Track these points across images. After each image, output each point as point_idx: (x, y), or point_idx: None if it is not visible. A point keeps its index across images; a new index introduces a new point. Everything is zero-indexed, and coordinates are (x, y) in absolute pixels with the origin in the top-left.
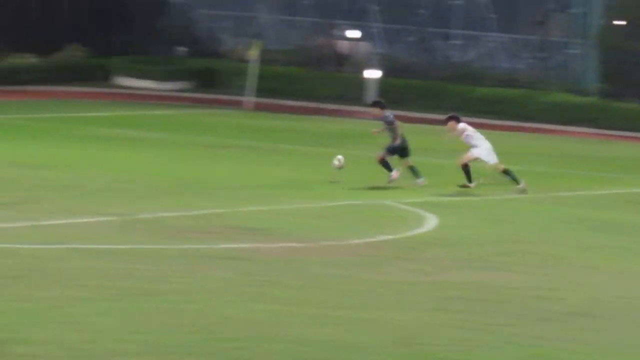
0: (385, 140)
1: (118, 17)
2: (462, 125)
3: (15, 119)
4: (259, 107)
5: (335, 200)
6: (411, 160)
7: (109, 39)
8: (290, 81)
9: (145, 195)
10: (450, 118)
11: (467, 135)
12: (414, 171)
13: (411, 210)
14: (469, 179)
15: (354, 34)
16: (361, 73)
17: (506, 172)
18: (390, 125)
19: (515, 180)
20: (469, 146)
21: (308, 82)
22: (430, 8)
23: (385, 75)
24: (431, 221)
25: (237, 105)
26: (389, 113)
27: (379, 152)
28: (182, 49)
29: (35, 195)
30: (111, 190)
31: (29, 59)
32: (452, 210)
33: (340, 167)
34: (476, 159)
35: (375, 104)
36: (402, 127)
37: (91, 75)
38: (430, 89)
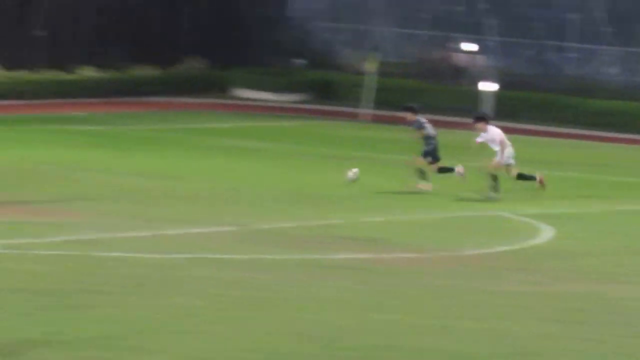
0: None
1: (237, 29)
2: (490, 127)
3: (137, 130)
4: (375, 119)
5: (452, 212)
6: (438, 165)
7: (228, 51)
8: (407, 93)
9: (265, 206)
10: (479, 119)
11: (493, 138)
12: (448, 170)
13: (527, 221)
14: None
15: (470, 47)
16: (477, 86)
17: (495, 178)
18: (420, 129)
19: (494, 188)
20: (493, 149)
21: (425, 94)
22: (545, 22)
23: (501, 87)
24: (547, 232)
25: (354, 117)
26: (421, 118)
27: (418, 158)
28: (299, 61)
29: (156, 204)
30: (231, 201)
31: (150, 71)
32: (568, 222)
33: (354, 180)
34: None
35: (407, 109)
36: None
37: (210, 87)
38: (545, 102)
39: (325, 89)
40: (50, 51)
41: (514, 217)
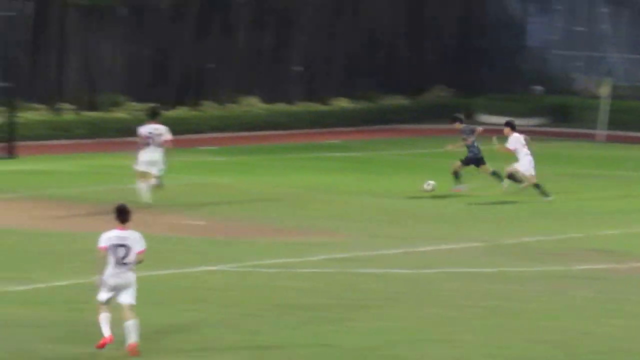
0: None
1: (480, 59)
2: (516, 134)
3: (388, 155)
4: (610, 139)
5: None
6: (489, 167)
7: (472, 79)
8: (638, 114)
9: (507, 222)
10: (507, 124)
11: (516, 144)
12: (498, 176)
13: None
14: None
15: None
16: None
17: (536, 185)
18: (468, 136)
19: (544, 194)
20: (515, 154)
21: None
22: None
23: None
24: None
25: (590, 138)
26: (466, 126)
27: (455, 163)
28: (538, 88)
29: (407, 223)
30: (476, 218)
31: (399, 101)
32: None
33: (430, 191)
34: (517, 171)
35: (455, 119)
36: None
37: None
38: None
39: (563, 112)
40: (306, 85)
41: None
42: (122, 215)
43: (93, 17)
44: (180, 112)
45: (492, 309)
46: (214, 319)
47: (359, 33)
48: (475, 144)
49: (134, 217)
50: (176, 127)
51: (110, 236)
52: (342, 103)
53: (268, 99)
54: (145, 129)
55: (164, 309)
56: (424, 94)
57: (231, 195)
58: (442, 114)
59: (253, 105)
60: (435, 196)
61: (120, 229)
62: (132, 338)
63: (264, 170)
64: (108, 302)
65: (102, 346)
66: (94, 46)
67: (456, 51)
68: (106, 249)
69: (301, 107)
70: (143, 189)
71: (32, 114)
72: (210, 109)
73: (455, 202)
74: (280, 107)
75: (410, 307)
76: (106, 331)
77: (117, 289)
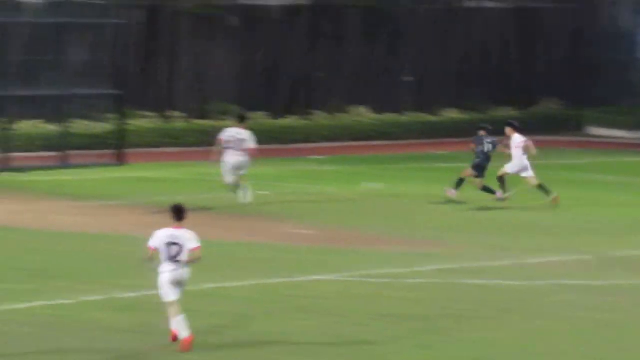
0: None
1: (590, 71)
2: (517, 135)
3: (496, 166)
4: None
5: None
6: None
7: (582, 92)
8: None
9: (617, 235)
10: (509, 124)
11: (516, 146)
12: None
13: None
14: (504, 190)
15: None
16: None
17: (540, 186)
18: (475, 144)
19: (547, 193)
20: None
21: None
22: None
23: None
24: None
25: None
26: (487, 138)
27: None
28: None
29: (515, 235)
30: (588, 230)
31: (509, 112)
32: None
33: (452, 198)
34: (509, 174)
35: (479, 128)
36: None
37: (566, 125)
38: None
39: None
40: (415, 95)
41: None
42: (178, 213)
43: (204, 26)
44: (290, 121)
45: (602, 321)
46: (319, 328)
47: (469, 44)
48: (486, 153)
49: (243, 225)
50: (285, 136)
51: (162, 235)
52: (452, 114)
53: (378, 109)
54: (226, 134)
55: (271, 317)
56: (534, 105)
57: (340, 204)
58: (553, 125)
59: (363, 115)
60: (544, 208)
61: (175, 228)
62: (185, 332)
63: (373, 180)
64: (176, 299)
65: (187, 344)
66: (205, 54)
67: (567, 63)
68: (155, 250)
69: (411, 117)
70: (240, 194)
71: (143, 122)
72: (320, 118)
73: (562, 214)
74: (390, 117)
75: (519, 320)
76: (186, 332)
77: (177, 285)
